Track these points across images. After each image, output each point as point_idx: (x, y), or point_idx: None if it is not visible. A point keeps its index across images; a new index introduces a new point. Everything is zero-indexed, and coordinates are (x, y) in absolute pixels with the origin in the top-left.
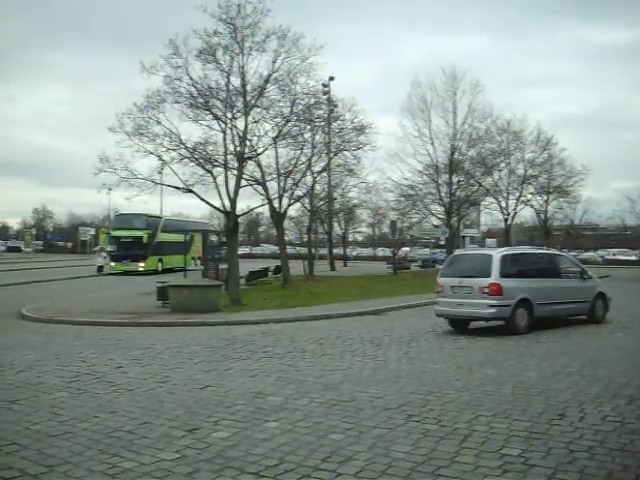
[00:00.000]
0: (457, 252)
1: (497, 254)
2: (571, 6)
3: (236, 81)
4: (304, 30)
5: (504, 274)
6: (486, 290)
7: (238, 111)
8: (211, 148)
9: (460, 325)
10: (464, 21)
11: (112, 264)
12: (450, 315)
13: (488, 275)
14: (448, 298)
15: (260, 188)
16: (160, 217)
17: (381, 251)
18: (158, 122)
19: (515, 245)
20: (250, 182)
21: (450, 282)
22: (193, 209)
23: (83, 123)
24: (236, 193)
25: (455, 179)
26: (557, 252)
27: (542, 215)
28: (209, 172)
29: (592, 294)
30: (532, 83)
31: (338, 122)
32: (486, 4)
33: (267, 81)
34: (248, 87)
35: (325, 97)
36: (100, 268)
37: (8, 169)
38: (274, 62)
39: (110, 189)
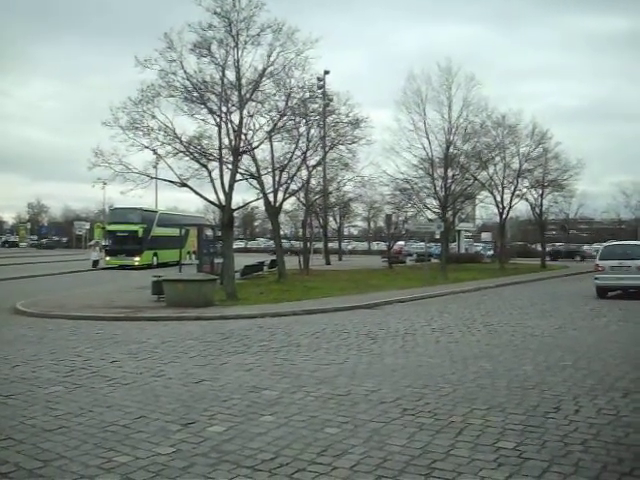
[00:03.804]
0: (608, 243)
1: None
2: None
3: (231, 75)
4: (296, 20)
5: None
6: None
7: (233, 105)
8: (206, 142)
9: (603, 294)
10: (459, 11)
11: (107, 258)
12: (611, 286)
13: None
14: (608, 274)
15: (255, 182)
16: (155, 211)
17: (376, 245)
18: (153, 116)
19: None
20: (245, 176)
21: (610, 263)
22: (188, 203)
23: (77, 117)
24: (231, 187)
25: (450, 173)
26: None
27: (537, 209)
28: (204, 166)
29: None
30: (527, 75)
31: (333, 116)
32: None
33: (262, 75)
34: (243, 81)
35: (320, 91)
36: (95, 262)
37: (2, 163)
38: (269, 56)
39: (105, 183)
